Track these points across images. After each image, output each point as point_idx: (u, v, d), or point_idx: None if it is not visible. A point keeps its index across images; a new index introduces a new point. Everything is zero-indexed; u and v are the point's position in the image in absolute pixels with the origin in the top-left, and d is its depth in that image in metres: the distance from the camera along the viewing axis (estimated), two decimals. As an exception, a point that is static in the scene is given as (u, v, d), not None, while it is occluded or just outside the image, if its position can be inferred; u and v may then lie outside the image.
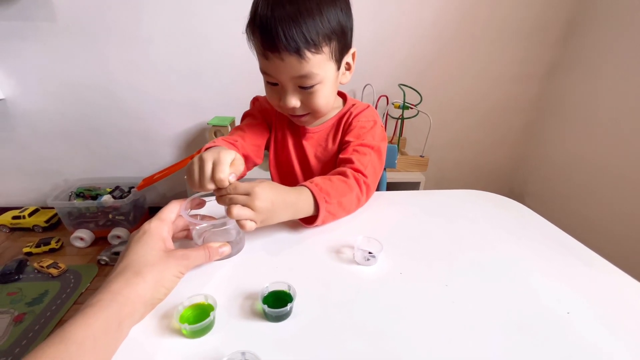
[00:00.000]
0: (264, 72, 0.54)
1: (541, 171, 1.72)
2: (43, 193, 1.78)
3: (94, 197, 1.60)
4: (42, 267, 1.39)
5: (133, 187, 1.64)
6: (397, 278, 0.41)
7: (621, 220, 1.30)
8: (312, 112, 0.59)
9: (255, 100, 0.72)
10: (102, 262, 1.47)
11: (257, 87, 0.68)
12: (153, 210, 1.82)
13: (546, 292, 0.40)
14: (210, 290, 0.37)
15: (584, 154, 1.46)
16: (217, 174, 0.40)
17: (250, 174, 0.74)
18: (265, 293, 0.36)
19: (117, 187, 1.66)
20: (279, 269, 0.42)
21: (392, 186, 1.40)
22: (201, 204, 0.46)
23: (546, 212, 0.59)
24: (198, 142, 1.71)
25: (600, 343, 0.33)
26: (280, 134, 0.70)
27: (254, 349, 0.29)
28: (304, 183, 0.50)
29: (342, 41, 0.54)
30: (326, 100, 0.57)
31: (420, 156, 1.45)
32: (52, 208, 1.66)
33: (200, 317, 0.33)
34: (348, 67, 0.60)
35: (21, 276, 1.38)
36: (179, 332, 0.33)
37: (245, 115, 0.71)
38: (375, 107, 1.57)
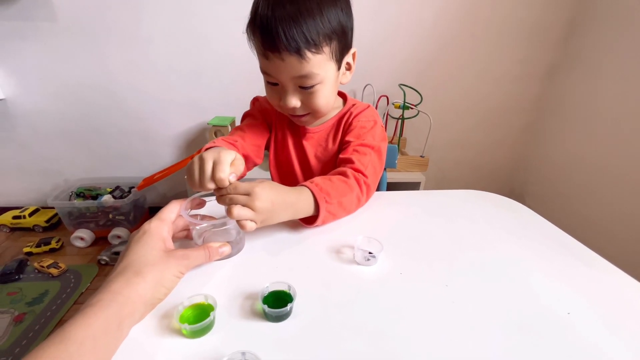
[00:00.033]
0: (264, 72, 0.54)
1: (542, 171, 1.71)
2: (43, 193, 1.78)
3: (94, 197, 1.60)
4: (42, 267, 1.39)
5: (133, 187, 1.64)
6: (397, 278, 0.41)
7: (621, 220, 1.30)
8: (312, 112, 0.59)
9: (256, 101, 0.72)
10: (103, 262, 1.47)
11: (258, 87, 0.68)
12: (153, 210, 1.82)
13: (546, 293, 0.39)
14: (210, 290, 0.37)
15: (584, 154, 1.46)
16: (218, 174, 0.40)
17: (250, 174, 0.74)
18: (266, 293, 0.36)
19: (117, 187, 1.66)
20: (279, 269, 0.42)
21: (392, 186, 1.40)
22: (201, 204, 0.46)
23: (546, 212, 0.59)
24: (198, 142, 1.71)
25: (601, 343, 0.33)
26: (280, 134, 0.70)
27: (254, 349, 0.29)
28: (304, 183, 0.50)
29: (342, 41, 0.54)
30: (326, 100, 0.57)
31: (421, 156, 1.45)
32: (53, 208, 1.66)
33: (200, 317, 0.33)
34: (348, 67, 0.60)
35: (21, 276, 1.38)
36: (179, 332, 0.33)
37: (246, 116, 0.71)
38: (376, 107, 1.57)
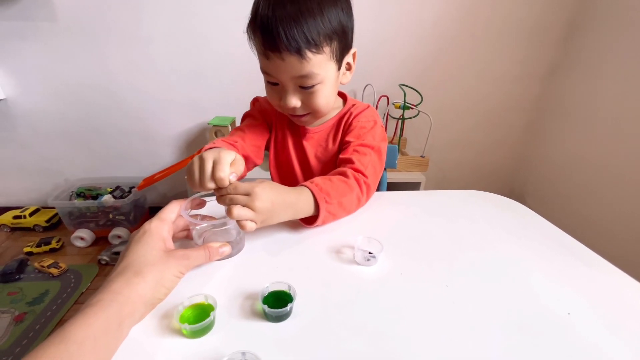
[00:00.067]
0: (264, 71, 0.54)
1: (542, 171, 1.71)
2: (44, 193, 1.78)
3: (95, 197, 1.60)
4: (42, 266, 1.39)
5: (133, 187, 1.64)
6: (397, 278, 0.41)
7: (622, 220, 1.30)
8: (312, 112, 0.59)
9: (255, 101, 0.72)
10: (103, 262, 1.47)
11: (258, 87, 0.68)
12: (153, 210, 1.82)
13: (546, 293, 0.39)
14: (210, 290, 0.37)
15: (584, 154, 1.46)
16: (218, 173, 0.40)
17: (250, 174, 0.74)
18: (266, 293, 0.36)
19: (117, 187, 1.66)
20: (279, 269, 0.42)
21: (392, 186, 1.40)
22: (201, 204, 0.46)
23: (547, 213, 0.59)
24: (198, 142, 1.71)
25: (601, 343, 0.33)
26: (280, 134, 0.70)
27: (254, 349, 0.29)
28: (304, 183, 0.50)
29: (342, 41, 0.54)
30: (326, 100, 0.57)
31: (421, 156, 1.45)
32: (53, 208, 1.66)
33: (200, 317, 0.33)
34: (348, 67, 0.60)
35: (22, 276, 1.38)
36: (179, 332, 0.33)
37: (245, 116, 0.71)
38: (376, 108, 1.57)
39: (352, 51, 0.58)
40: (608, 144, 1.35)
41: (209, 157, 0.42)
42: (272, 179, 0.75)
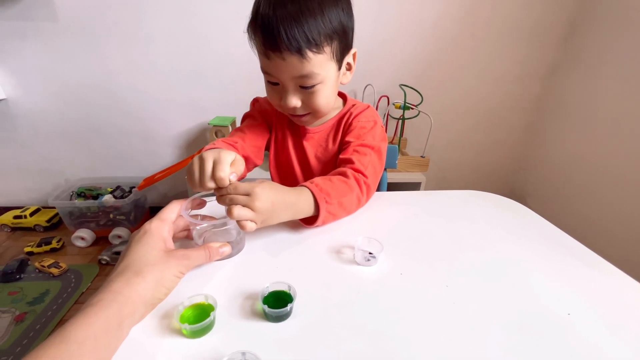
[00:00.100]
0: (265, 71, 0.54)
1: (542, 172, 1.71)
2: (44, 193, 1.78)
3: (95, 197, 1.60)
4: (43, 266, 1.39)
5: (134, 187, 1.64)
6: (397, 278, 0.41)
7: (622, 221, 1.30)
8: (312, 112, 0.59)
9: (255, 102, 0.72)
10: (103, 262, 1.47)
11: (258, 87, 0.69)
12: (154, 210, 1.82)
13: (547, 293, 0.39)
14: (210, 290, 0.37)
15: (585, 155, 1.46)
16: (218, 173, 0.40)
17: (250, 175, 0.74)
18: (266, 293, 0.36)
19: (118, 187, 1.66)
20: (279, 269, 0.42)
21: (392, 186, 1.40)
22: (202, 204, 0.46)
23: (547, 213, 0.59)
24: (199, 142, 1.71)
25: (601, 344, 0.33)
26: (280, 134, 0.70)
27: (254, 349, 0.29)
28: (304, 183, 0.50)
29: (343, 41, 0.54)
30: (327, 100, 0.57)
31: (421, 156, 1.45)
32: (54, 208, 1.66)
33: (200, 317, 0.33)
34: (349, 68, 0.60)
35: (22, 275, 1.38)
36: (179, 332, 0.33)
37: (245, 117, 0.71)
38: (376, 108, 1.57)
39: (352, 51, 0.58)
40: (608, 144, 1.35)
41: (209, 157, 0.42)
42: (272, 179, 0.75)
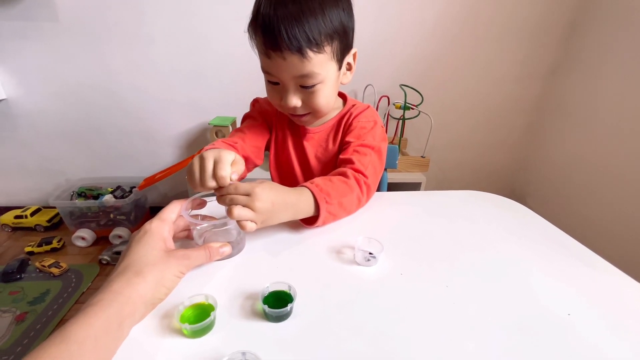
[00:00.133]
0: (265, 71, 0.54)
1: (543, 172, 1.71)
2: (45, 193, 1.78)
3: (96, 197, 1.60)
4: (43, 266, 1.39)
5: (134, 187, 1.64)
6: (397, 279, 0.41)
7: (623, 221, 1.29)
8: (312, 112, 0.59)
9: (255, 102, 0.72)
10: (104, 262, 1.47)
11: (258, 87, 0.69)
12: (154, 210, 1.82)
13: (547, 294, 0.39)
14: (210, 290, 0.37)
15: (585, 155, 1.46)
16: (219, 172, 0.40)
17: (250, 175, 0.74)
18: (266, 293, 0.36)
19: (118, 187, 1.67)
20: (279, 269, 0.42)
21: (393, 187, 1.40)
22: (202, 204, 0.46)
23: (548, 213, 0.59)
24: (199, 142, 1.71)
25: (601, 344, 0.33)
26: (280, 134, 0.70)
27: (255, 349, 0.29)
28: (305, 184, 0.50)
29: (343, 41, 0.54)
30: (327, 100, 0.57)
31: (422, 157, 1.45)
32: (54, 208, 1.66)
33: (200, 317, 0.33)
34: (349, 68, 0.60)
35: (23, 275, 1.38)
36: (179, 332, 0.33)
37: (246, 117, 0.71)
38: (377, 108, 1.57)
39: (352, 51, 0.58)
40: (609, 145, 1.35)
41: (210, 156, 0.42)
42: (272, 180, 0.75)
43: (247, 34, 0.53)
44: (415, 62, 1.56)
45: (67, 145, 1.69)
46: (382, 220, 0.55)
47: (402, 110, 1.44)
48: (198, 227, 0.44)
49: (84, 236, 1.56)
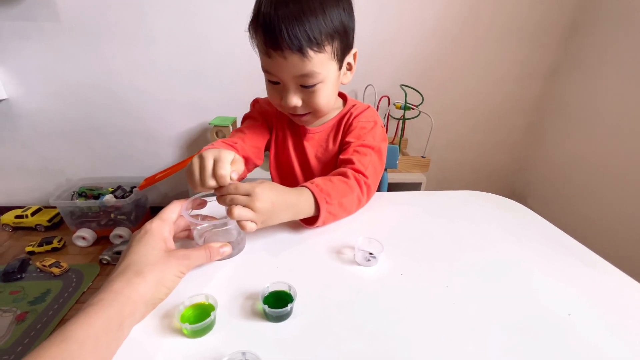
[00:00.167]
0: (266, 70, 0.54)
1: (543, 172, 1.71)
2: (45, 192, 1.79)
3: (96, 197, 1.61)
4: (44, 266, 1.39)
5: (135, 187, 1.64)
6: (397, 279, 0.41)
7: (624, 221, 1.29)
8: (313, 112, 0.59)
9: (256, 102, 0.72)
10: (104, 262, 1.47)
11: (259, 87, 0.69)
12: (155, 210, 1.82)
13: (547, 294, 0.39)
14: (211, 290, 0.37)
15: (586, 155, 1.46)
16: (219, 170, 0.40)
17: (250, 175, 0.74)
18: (266, 293, 0.36)
19: (119, 187, 1.67)
20: (279, 269, 0.42)
21: (393, 187, 1.40)
22: (202, 204, 0.46)
23: (548, 213, 0.59)
24: (200, 142, 1.71)
25: (601, 344, 0.33)
26: (281, 134, 0.70)
27: (255, 349, 0.29)
28: (305, 184, 0.50)
29: (344, 41, 0.54)
30: (327, 99, 0.57)
31: (422, 157, 1.45)
32: (55, 207, 1.66)
33: (201, 316, 0.33)
34: (349, 68, 0.60)
35: (24, 275, 1.39)
36: (179, 332, 0.33)
37: (246, 118, 0.71)
38: (377, 108, 1.57)
39: (353, 51, 0.58)
40: (609, 145, 1.35)
41: (209, 155, 0.42)
42: (273, 180, 0.75)
43: (247, 34, 0.53)
44: (416, 62, 1.56)
45: (67, 145, 1.69)
46: (382, 220, 0.55)
47: (403, 111, 1.44)
48: (198, 227, 0.45)
49: (84, 236, 1.56)
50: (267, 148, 0.72)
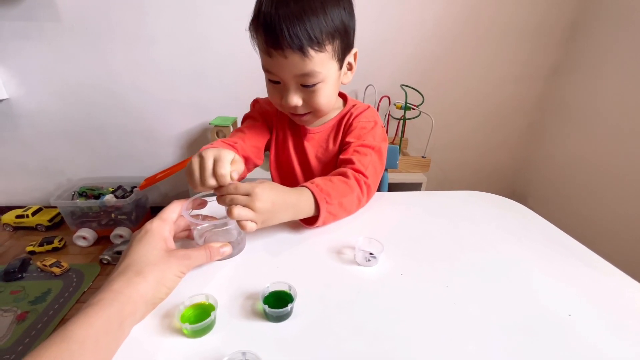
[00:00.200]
0: (266, 70, 0.54)
1: (544, 173, 1.71)
2: (46, 192, 1.79)
3: (97, 197, 1.61)
4: (45, 265, 1.40)
5: (135, 187, 1.64)
6: (398, 279, 0.41)
7: (624, 222, 1.29)
8: (313, 111, 0.59)
9: (256, 103, 0.72)
10: (105, 261, 1.48)
11: (259, 87, 0.69)
12: (155, 210, 1.82)
13: (547, 294, 0.39)
14: (211, 290, 0.37)
15: (587, 156, 1.46)
16: (219, 170, 0.40)
17: (251, 175, 0.74)
18: (266, 293, 0.36)
19: (119, 187, 1.67)
20: (279, 269, 0.42)
21: (393, 187, 1.40)
22: (202, 204, 0.46)
23: (549, 214, 0.59)
24: (200, 142, 1.71)
25: (602, 344, 0.33)
26: (281, 134, 0.70)
27: (255, 349, 0.29)
28: (305, 184, 0.50)
29: (344, 40, 0.54)
30: (327, 99, 0.57)
31: (422, 157, 1.44)
32: (55, 207, 1.67)
33: (201, 316, 0.33)
34: (350, 67, 0.60)
35: (24, 275, 1.39)
36: (179, 332, 0.33)
37: (246, 118, 0.71)
38: (377, 108, 1.57)
39: (353, 51, 0.58)
40: (610, 145, 1.35)
41: (209, 155, 0.42)
42: (273, 180, 0.75)
43: (248, 33, 0.53)
44: (416, 62, 1.56)
45: (68, 145, 1.69)
46: (383, 220, 0.55)
47: (403, 111, 1.44)
48: (199, 227, 0.45)
49: (85, 236, 1.57)
50: (267, 148, 0.72)
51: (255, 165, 0.67)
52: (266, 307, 0.33)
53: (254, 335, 0.33)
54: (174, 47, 1.49)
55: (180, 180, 1.81)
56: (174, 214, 0.42)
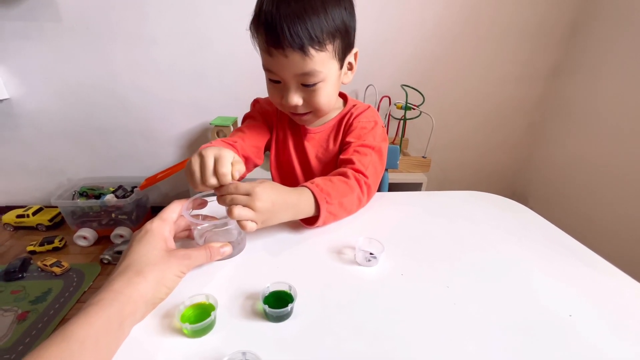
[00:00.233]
0: (267, 69, 0.54)
1: (544, 173, 1.71)
2: (47, 192, 1.79)
3: (97, 197, 1.61)
4: (45, 265, 1.40)
5: (136, 187, 1.65)
6: (398, 279, 0.41)
7: (624, 222, 1.29)
8: (313, 111, 0.59)
9: (256, 102, 0.72)
10: (105, 261, 1.48)
11: (260, 87, 0.69)
12: (155, 210, 1.82)
13: (548, 294, 0.39)
14: (211, 290, 0.37)
15: (587, 156, 1.46)
16: (220, 168, 0.40)
17: (251, 175, 0.74)
18: (266, 293, 0.36)
19: (120, 187, 1.67)
20: (280, 269, 0.42)
21: (394, 187, 1.40)
22: (203, 204, 0.46)
23: (549, 214, 0.59)
24: (201, 142, 1.71)
25: (602, 345, 0.33)
26: (281, 134, 0.70)
27: (255, 349, 0.29)
28: (305, 184, 0.50)
29: (345, 40, 0.54)
30: (328, 99, 0.57)
31: (423, 157, 1.44)
32: (56, 207, 1.67)
33: (201, 316, 0.33)
34: (350, 67, 0.60)
35: (25, 274, 1.39)
36: (180, 332, 0.33)
37: (246, 118, 0.71)
38: (378, 108, 1.57)
39: (353, 51, 0.58)
40: (610, 145, 1.35)
41: (210, 153, 0.42)
42: (273, 179, 0.75)
43: (248, 33, 0.53)
44: (417, 62, 1.56)
45: (68, 144, 1.69)
46: (383, 220, 0.55)
47: (403, 111, 1.43)
48: (199, 227, 0.45)
49: (85, 235, 1.57)
50: (268, 148, 0.72)
51: (255, 165, 0.67)
52: (266, 307, 0.33)
53: (254, 335, 0.33)
54: (175, 47, 1.49)
55: (181, 180, 1.81)
56: (174, 213, 0.42)
